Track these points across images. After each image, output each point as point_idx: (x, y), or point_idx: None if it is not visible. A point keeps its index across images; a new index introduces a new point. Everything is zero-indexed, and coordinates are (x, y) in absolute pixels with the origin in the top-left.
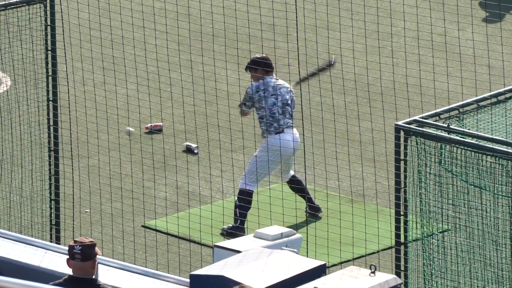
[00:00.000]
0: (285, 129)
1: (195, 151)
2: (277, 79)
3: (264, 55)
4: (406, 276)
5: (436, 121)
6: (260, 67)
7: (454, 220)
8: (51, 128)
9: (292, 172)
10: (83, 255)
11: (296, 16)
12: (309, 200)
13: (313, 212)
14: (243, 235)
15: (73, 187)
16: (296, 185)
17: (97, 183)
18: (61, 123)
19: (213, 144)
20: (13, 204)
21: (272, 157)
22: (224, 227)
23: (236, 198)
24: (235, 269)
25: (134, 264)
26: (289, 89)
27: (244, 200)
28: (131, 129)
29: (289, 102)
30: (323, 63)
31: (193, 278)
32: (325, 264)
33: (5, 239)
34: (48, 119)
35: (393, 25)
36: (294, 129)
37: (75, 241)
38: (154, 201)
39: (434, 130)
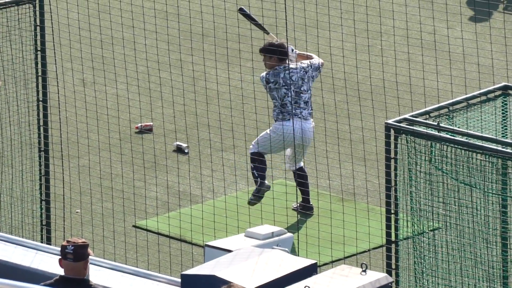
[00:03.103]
0: (295, 119)
1: (186, 151)
2: (289, 66)
3: (279, 41)
4: (397, 275)
5: (426, 119)
6: (275, 55)
7: (445, 218)
8: (41, 128)
9: (301, 164)
10: (75, 255)
11: (286, 15)
12: (306, 197)
13: (304, 211)
14: (268, 189)
15: (63, 188)
16: (301, 179)
17: (87, 183)
18: (51, 123)
19: (204, 143)
20: (4, 205)
21: (277, 140)
22: (251, 197)
23: (251, 163)
24: (226, 268)
25: (125, 264)
26: (302, 68)
27: (258, 161)
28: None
29: (304, 87)
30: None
31: (184, 277)
32: (316, 263)
33: None
34: (38, 120)
35: (383, 23)
36: (310, 120)
37: (67, 241)
38: (145, 201)
39: (424, 129)
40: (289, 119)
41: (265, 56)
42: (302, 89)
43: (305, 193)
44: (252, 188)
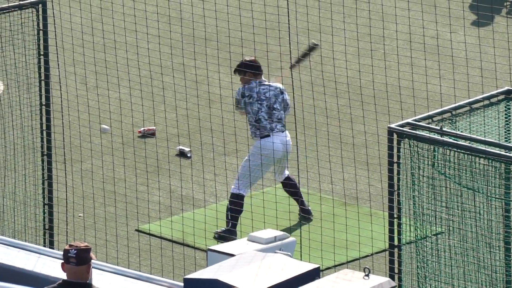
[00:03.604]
0: (272, 133)
1: (188, 155)
2: (265, 82)
3: (252, 57)
4: (400, 279)
5: (429, 123)
6: (248, 70)
7: (448, 223)
8: (44, 132)
9: (287, 173)
10: (78, 259)
11: (288, 20)
12: (301, 203)
13: (305, 215)
14: (235, 239)
15: (66, 192)
16: (290, 188)
17: (90, 187)
18: (54, 128)
19: (206, 147)
20: (7, 209)
21: (260, 161)
22: (217, 230)
23: (228, 202)
24: (229, 272)
25: (128, 268)
26: (278, 90)
27: (236, 204)
28: (105, 126)
29: (276, 106)
30: (306, 48)
31: (187, 282)
32: (319, 267)
33: None
34: (41, 124)
35: (385, 28)
36: (286, 132)
37: (70, 245)
38: (147, 205)
39: (427, 133)
40: (267, 135)
41: (240, 73)
42: (274, 106)
43: (299, 200)
44: (256, 192)
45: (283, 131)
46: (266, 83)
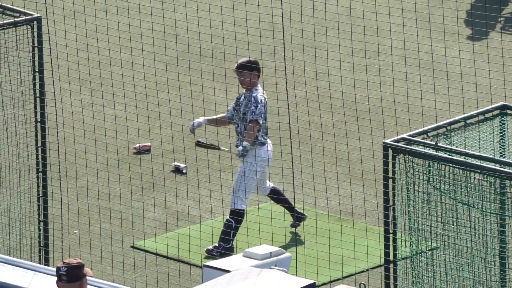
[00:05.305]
0: (268, 140)
1: (184, 171)
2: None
3: (251, 58)
4: None
5: (424, 139)
6: (256, 71)
7: (443, 238)
8: (39, 149)
9: (270, 184)
10: (69, 277)
11: (283, 36)
12: (291, 209)
13: (299, 222)
14: (231, 253)
15: (61, 208)
16: (276, 195)
17: (85, 204)
18: (49, 144)
19: (202, 163)
20: (2, 226)
21: (260, 169)
22: (209, 247)
23: (229, 218)
24: None
25: (123, 285)
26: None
27: (237, 221)
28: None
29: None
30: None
31: None
32: (314, 283)
33: None
34: (36, 141)
35: (380, 43)
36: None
37: (63, 262)
38: (143, 222)
39: (422, 148)
40: (265, 142)
41: (244, 73)
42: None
43: (289, 207)
44: (251, 208)
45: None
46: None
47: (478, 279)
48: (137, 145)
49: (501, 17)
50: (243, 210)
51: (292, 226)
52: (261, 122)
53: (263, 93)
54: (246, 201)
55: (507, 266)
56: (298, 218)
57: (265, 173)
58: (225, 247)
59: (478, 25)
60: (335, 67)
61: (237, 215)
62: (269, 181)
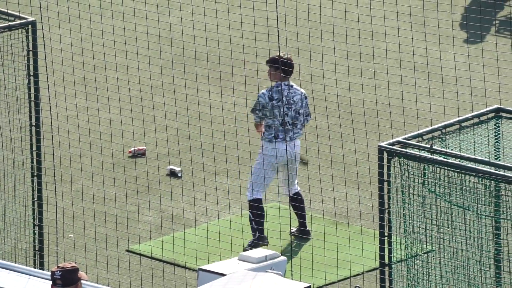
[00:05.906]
0: (289, 140)
1: (179, 175)
2: (293, 85)
3: (289, 55)
4: None
5: (419, 142)
6: (282, 68)
7: (438, 241)
8: (34, 153)
9: (297, 188)
10: (63, 281)
11: (278, 39)
12: (302, 224)
13: (302, 235)
14: (266, 244)
15: (56, 212)
16: (297, 203)
17: (80, 208)
18: (44, 148)
19: (197, 167)
20: None
21: (272, 162)
22: (249, 242)
23: (249, 212)
24: None
25: None
26: (303, 94)
27: (256, 208)
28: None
29: (301, 110)
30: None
31: None
32: (310, 286)
33: None
34: (31, 145)
35: (375, 46)
36: (298, 140)
37: (57, 267)
38: (138, 225)
39: (417, 151)
40: (281, 140)
41: (271, 67)
42: (300, 111)
43: (302, 217)
44: (245, 212)
45: (295, 139)
46: (294, 86)
47: (473, 281)
48: (132, 148)
49: (495, 20)
50: (253, 199)
51: (291, 232)
52: (256, 119)
53: (270, 91)
54: (254, 191)
55: (502, 268)
56: (301, 231)
57: (281, 171)
58: (254, 240)
59: (473, 28)
60: (330, 70)
61: (250, 207)
62: (297, 185)
